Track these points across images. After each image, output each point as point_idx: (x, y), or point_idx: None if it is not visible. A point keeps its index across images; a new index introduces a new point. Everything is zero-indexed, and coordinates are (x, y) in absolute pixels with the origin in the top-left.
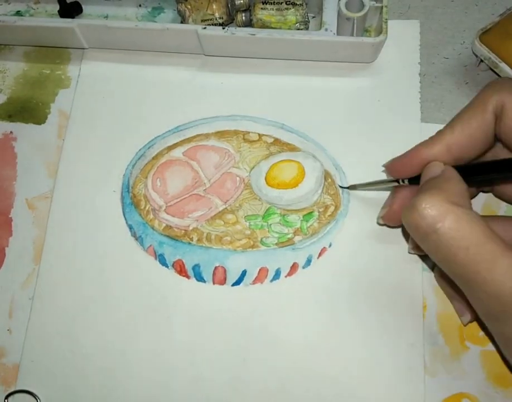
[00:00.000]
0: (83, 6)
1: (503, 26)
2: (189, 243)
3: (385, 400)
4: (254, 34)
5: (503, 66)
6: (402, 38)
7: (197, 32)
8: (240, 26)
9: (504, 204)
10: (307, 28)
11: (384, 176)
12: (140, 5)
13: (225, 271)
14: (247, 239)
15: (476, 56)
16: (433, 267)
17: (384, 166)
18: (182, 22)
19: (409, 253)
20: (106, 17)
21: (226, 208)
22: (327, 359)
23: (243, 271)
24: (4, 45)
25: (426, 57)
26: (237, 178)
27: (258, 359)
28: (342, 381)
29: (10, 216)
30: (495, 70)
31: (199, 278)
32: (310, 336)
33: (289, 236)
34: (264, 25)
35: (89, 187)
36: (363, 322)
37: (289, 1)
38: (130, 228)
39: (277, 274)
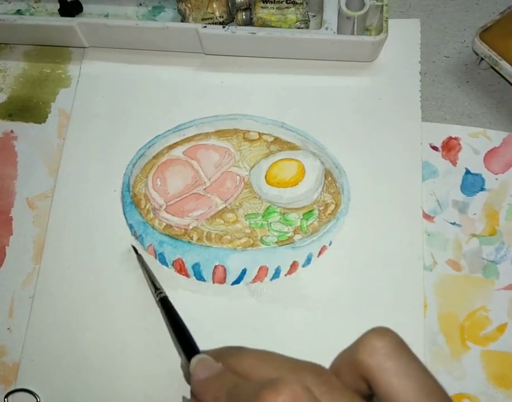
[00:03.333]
0: (83, 5)
1: (503, 24)
2: (189, 242)
3: None
4: (254, 33)
5: (504, 63)
6: (403, 36)
7: (198, 31)
8: (240, 25)
9: (506, 202)
10: (307, 27)
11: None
12: (140, 4)
13: (224, 269)
14: (247, 237)
15: (476, 54)
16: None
17: None
18: (182, 21)
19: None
20: (107, 15)
21: (226, 207)
22: (326, 358)
23: (243, 270)
24: (5, 44)
25: (427, 56)
26: (237, 177)
27: None
28: None
29: (10, 215)
30: (495, 67)
31: (199, 277)
32: (310, 335)
33: (289, 234)
34: (264, 24)
35: (90, 186)
36: (364, 321)
37: (290, 0)
38: (131, 227)
39: (277, 273)
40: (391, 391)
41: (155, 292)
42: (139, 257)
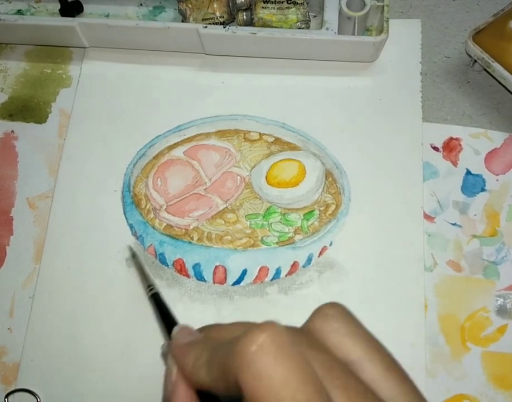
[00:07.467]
0: (84, 5)
1: (496, 26)
2: (190, 242)
3: None
4: (255, 33)
5: (496, 65)
6: (404, 37)
7: (198, 31)
8: (241, 25)
9: (506, 203)
10: (308, 27)
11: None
12: (141, 4)
13: (225, 270)
14: (248, 238)
15: (470, 56)
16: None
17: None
18: (183, 21)
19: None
20: (107, 15)
21: (226, 207)
22: None
23: (243, 270)
24: (5, 44)
25: (428, 56)
26: (238, 177)
27: None
28: None
29: (11, 215)
30: (488, 70)
31: (200, 277)
32: None
33: (290, 235)
34: (265, 25)
35: (90, 186)
36: (364, 322)
37: (290, 1)
38: (131, 227)
39: (277, 273)
40: (342, 349)
41: (148, 288)
42: (134, 256)
